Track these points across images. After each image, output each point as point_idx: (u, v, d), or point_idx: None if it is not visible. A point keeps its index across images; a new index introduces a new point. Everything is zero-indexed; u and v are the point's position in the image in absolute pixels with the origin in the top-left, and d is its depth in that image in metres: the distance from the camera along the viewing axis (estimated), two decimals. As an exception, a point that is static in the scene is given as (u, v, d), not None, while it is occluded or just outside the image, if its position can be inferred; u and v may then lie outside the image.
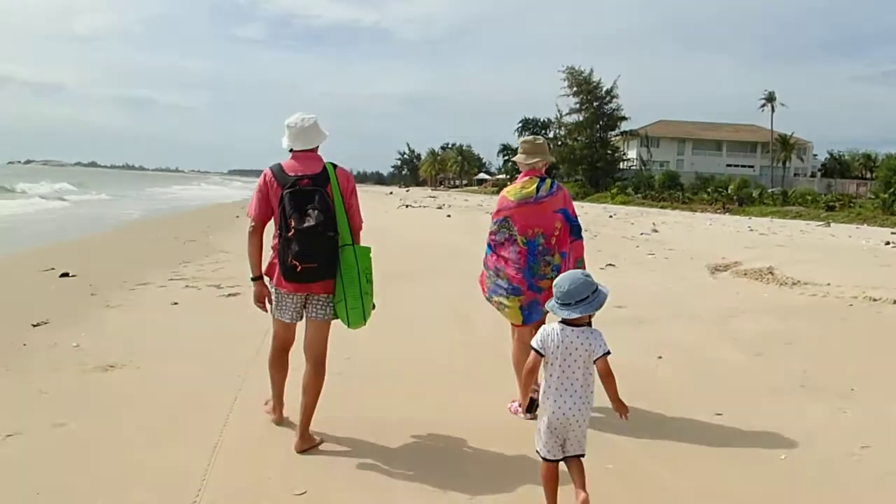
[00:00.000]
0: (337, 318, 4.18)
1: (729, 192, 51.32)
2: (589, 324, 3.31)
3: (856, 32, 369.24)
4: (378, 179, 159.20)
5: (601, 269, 12.27)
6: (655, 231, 22.91)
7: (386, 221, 24.59)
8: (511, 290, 4.71)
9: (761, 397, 5.27)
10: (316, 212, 3.88)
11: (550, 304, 3.32)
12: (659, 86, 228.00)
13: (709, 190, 53.92)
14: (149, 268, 10.82)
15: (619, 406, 3.24)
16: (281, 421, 4.52)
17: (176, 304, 8.17)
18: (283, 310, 4.20)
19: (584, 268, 4.60)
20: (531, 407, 3.43)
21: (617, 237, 19.95)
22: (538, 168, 4.82)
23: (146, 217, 25.39)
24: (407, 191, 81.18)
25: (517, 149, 4.99)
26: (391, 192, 71.16)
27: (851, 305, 8.75)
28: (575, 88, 70.27)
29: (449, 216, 29.66)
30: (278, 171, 4.10)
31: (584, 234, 4.95)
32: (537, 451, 3.30)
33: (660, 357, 6.35)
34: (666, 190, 57.86)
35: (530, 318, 4.70)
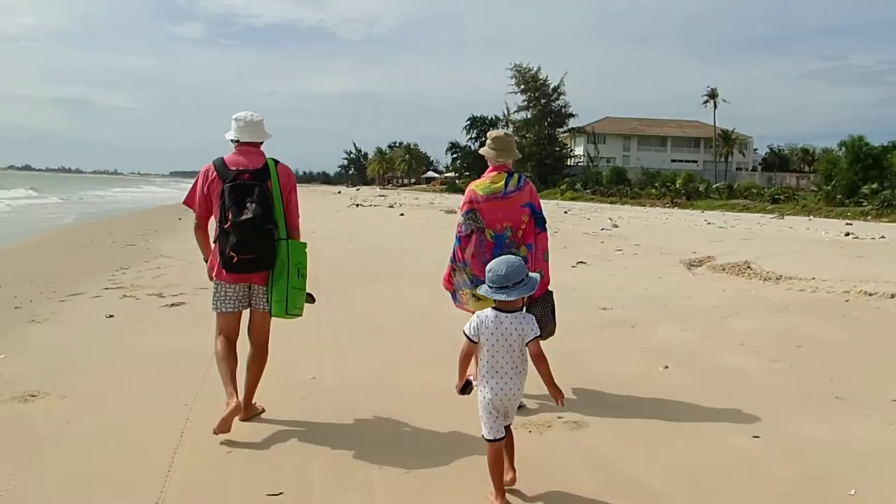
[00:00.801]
0: None
1: (676, 186, 51.77)
2: (528, 308, 3.43)
3: (781, 33, 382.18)
4: (325, 179, 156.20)
5: (572, 266, 11.68)
6: (616, 226, 22.53)
7: (338, 221, 23.71)
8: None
9: (796, 414, 4.61)
10: (254, 205, 3.98)
11: (484, 288, 3.34)
12: (605, 84, 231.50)
13: (656, 185, 54.39)
14: (82, 276, 9.85)
15: (555, 391, 3.25)
16: (240, 412, 4.06)
17: (111, 316, 7.21)
18: (224, 301, 4.20)
19: (548, 260, 4.80)
20: (466, 388, 3.39)
21: (578, 233, 19.43)
22: (508, 164, 4.82)
23: (80, 220, 23.85)
24: (357, 190, 79.91)
25: (485, 143, 4.87)
26: (339, 192, 69.84)
27: (847, 301, 8.28)
28: (523, 86, 70.44)
29: (402, 215, 28.96)
30: (220, 165, 4.17)
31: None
32: (483, 437, 3.30)
33: (666, 367, 5.70)
34: (614, 185, 58.25)
35: None
